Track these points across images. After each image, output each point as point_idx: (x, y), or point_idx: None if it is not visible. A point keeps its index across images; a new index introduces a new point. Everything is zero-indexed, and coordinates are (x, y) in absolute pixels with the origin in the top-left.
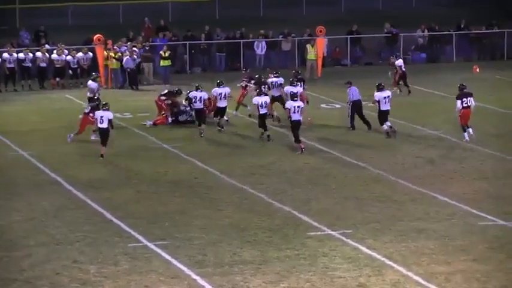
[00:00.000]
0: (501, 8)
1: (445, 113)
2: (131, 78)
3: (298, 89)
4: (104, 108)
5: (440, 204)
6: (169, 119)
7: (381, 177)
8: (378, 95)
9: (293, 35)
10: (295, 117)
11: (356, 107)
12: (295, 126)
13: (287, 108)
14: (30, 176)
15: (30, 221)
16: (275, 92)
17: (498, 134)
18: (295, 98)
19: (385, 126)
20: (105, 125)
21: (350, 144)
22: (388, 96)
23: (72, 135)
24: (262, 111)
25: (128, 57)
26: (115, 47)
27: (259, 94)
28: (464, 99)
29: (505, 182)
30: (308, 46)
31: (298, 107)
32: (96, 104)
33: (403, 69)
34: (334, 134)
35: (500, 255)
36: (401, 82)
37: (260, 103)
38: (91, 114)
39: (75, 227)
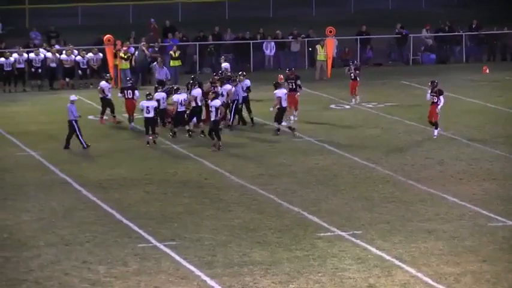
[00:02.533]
0: (503, 9)
1: (454, 114)
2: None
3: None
4: (148, 98)
5: (450, 205)
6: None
7: (391, 178)
8: (278, 92)
9: (302, 35)
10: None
11: (241, 103)
12: (218, 124)
13: (220, 106)
14: (39, 176)
15: (39, 221)
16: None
17: (507, 135)
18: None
19: (281, 123)
20: (151, 115)
21: (359, 145)
22: (286, 94)
23: (132, 123)
24: (181, 108)
25: (158, 68)
26: (124, 48)
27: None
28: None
29: None
30: (318, 47)
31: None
32: (132, 84)
33: (229, 72)
34: (344, 135)
35: (510, 256)
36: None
37: (180, 100)
38: (135, 98)
39: (85, 227)
